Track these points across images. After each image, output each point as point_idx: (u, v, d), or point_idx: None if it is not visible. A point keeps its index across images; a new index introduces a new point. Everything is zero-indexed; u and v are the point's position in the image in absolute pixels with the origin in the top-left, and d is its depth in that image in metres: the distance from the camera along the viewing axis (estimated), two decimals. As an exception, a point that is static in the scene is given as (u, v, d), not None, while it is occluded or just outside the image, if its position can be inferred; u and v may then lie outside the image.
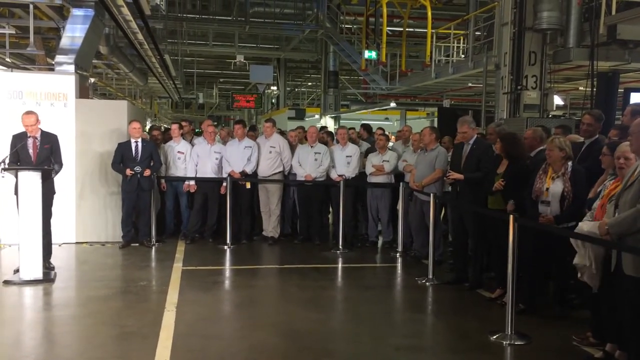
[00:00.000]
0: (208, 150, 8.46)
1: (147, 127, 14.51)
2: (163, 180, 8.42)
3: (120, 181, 7.91)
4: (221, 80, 32.28)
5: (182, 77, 25.01)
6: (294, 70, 27.70)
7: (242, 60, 20.39)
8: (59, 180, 6.66)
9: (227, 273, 7.11)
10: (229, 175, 8.17)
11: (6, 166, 6.01)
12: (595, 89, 9.35)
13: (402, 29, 16.40)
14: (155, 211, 8.14)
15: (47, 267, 6.46)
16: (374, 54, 16.03)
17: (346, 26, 18.00)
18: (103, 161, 8.10)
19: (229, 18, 18.29)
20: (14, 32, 9.91)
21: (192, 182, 8.38)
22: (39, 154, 6.36)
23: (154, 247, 7.94)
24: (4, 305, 5.53)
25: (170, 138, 8.76)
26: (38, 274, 6.05)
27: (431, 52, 13.95)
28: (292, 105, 26.94)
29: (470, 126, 6.32)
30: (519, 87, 9.35)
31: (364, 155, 8.54)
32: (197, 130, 13.14)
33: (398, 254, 7.80)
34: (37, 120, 6.35)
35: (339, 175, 8.23)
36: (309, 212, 8.59)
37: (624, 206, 3.74)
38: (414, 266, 7.27)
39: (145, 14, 10.29)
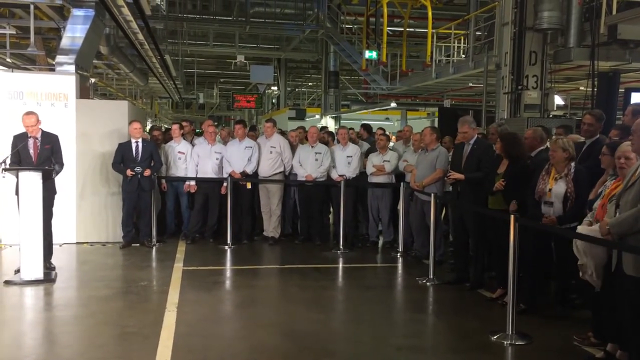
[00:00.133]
0: (208, 151, 8.46)
1: (148, 128, 14.52)
2: (164, 181, 8.42)
3: (121, 181, 7.91)
4: (222, 80, 32.30)
5: (183, 77, 25.02)
6: (294, 70, 27.70)
7: (242, 60, 20.41)
8: (59, 180, 6.66)
9: (228, 273, 7.12)
10: (230, 175, 8.18)
11: (7, 166, 6.01)
12: (595, 89, 9.35)
13: (402, 29, 16.40)
14: (156, 211, 8.14)
15: (48, 267, 6.46)
16: (374, 54, 16.03)
17: (347, 26, 18.00)
18: (104, 161, 8.10)
19: (230, 18, 18.31)
20: (14, 32, 9.91)
21: (193, 183, 8.38)
22: (39, 154, 6.36)
23: (154, 248, 7.94)
24: (4, 305, 5.53)
25: (171, 138, 8.76)
26: (39, 274, 6.05)
27: (432, 52, 13.96)
28: (293, 105, 26.93)
29: (471, 126, 6.32)
30: (519, 87, 9.36)
31: (365, 155, 8.54)
32: (197, 130, 13.15)
33: (399, 254, 7.80)
34: (38, 121, 6.35)
35: (340, 175, 8.23)
36: (310, 212, 8.58)
37: (625, 206, 3.74)
38: (414, 266, 7.27)
39: (146, 14, 10.29)
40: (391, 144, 9.13)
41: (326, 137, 8.92)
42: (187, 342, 4.51)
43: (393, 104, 18.10)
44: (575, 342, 4.57)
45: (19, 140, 6.32)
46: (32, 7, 8.64)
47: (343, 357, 4.45)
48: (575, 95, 14.94)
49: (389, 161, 8.10)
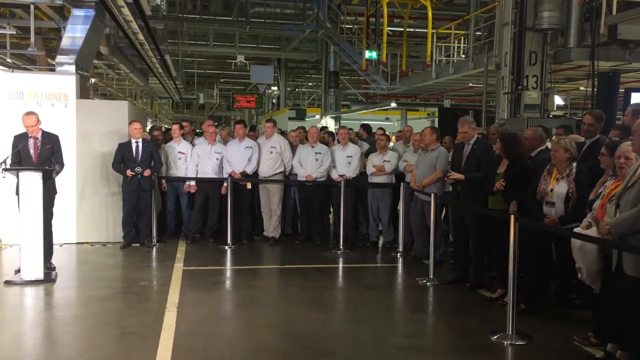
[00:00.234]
0: (209, 151, 8.46)
1: (148, 128, 14.52)
2: (164, 181, 8.43)
3: (121, 181, 7.91)
4: (222, 80, 32.31)
5: (183, 78, 25.02)
6: (294, 70, 27.70)
7: (242, 60, 20.41)
8: (59, 180, 6.66)
9: (228, 273, 7.12)
10: (230, 175, 8.18)
11: (7, 166, 6.02)
12: (595, 89, 9.35)
13: (402, 29, 16.40)
14: (156, 211, 8.15)
15: (48, 267, 6.46)
16: (374, 54, 16.04)
17: (347, 26, 18.00)
18: (104, 161, 8.11)
19: (230, 18, 18.31)
20: (14, 32, 9.91)
21: (193, 183, 8.38)
22: (40, 155, 6.36)
23: (154, 248, 7.94)
24: (5, 305, 5.53)
25: (171, 138, 8.76)
26: (39, 274, 6.05)
27: (432, 52, 13.96)
28: (293, 105, 26.94)
29: (471, 126, 6.32)
30: (519, 87, 9.36)
31: (365, 155, 8.54)
32: (197, 130, 13.15)
33: (399, 254, 7.80)
34: (38, 121, 6.35)
35: (340, 176, 8.23)
36: (310, 212, 8.59)
37: (625, 206, 3.74)
38: (414, 266, 7.27)
39: (146, 14, 10.29)
40: (391, 144, 9.14)
41: (326, 137, 8.93)
42: (187, 342, 4.51)
43: (393, 104, 18.11)
44: (575, 342, 4.57)
45: (20, 141, 6.32)
46: (32, 7, 8.64)
47: (343, 357, 4.45)
48: (575, 96, 14.94)
49: (389, 161, 8.10)
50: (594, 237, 4.03)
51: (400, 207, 7.80)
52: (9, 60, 10.81)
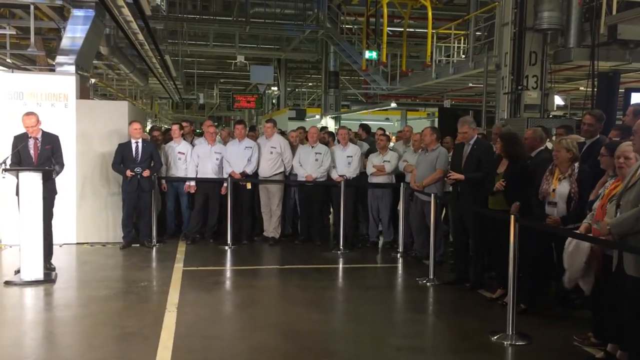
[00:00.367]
0: (208, 151, 8.46)
1: (148, 128, 14.52)
2: (164, 181, 8.42)
3: (121, 182, 7.91)
4: (222, 80, 32.29)
5: (183, 78, 25.02)
6: (294, 70, 27.70)
7: (242, 60, 20.41)
8: (59, 180, 6.65)
9: (228, 273, 7.12)
10: (230, 175, 8.18)
11: (7, 167, 6.01)
12: (596, 89, 9.34)
13: (402, 29, 16.41)
14: (156, 212, 8.14)
15: (48, 267, 6.46)
16: (374, 54, 16.04)
17: (347, 26, 18.00)
18: (104, 162, 8.11)
19: (230, 18, 18.31)
20: (14, 32, 9.91)
21: (193, 183, 8.38)
22: (40, 155, 6.36)
23: (154, 248, 7.94)
24: (4, 306, 5.53)
25: (171, 138, 8.76)
26: (39, 274, 6.05)
27: (432, 53, 13.96)
28: (293, 105, 26.92)
29: (471, 126, 6.32)
30: (519, 87, 9.35)
31: (365, 155, 8.54)
32: (197, 130, 13.15)
33: (399, 255, 7.80)
34: (38, 121, 6.35)
35: (340, 176, 8.23)
36: (310, 213, 8.58)
37: (625, 206, 3.74)
38: (414, 266, 7.27)
39: (146, 14, 10.29)
40: (391, 144, 9.14)
41: (326, 138, 8.92)
42: (187, 342, 4.51)
43: (393, 104, 18.11)
44: (575, 342, 4.57)
45: (20, 141, 6.32)
46: (32, 7, 8.64)
47: (343, 357, 4.45)
48: (575, 96, 14.94)
49: (389, 161, 8.10)
50: (594, 237, 4.03)
51: (400, 207, 7.80)
52: (9, 60, 10.81)
